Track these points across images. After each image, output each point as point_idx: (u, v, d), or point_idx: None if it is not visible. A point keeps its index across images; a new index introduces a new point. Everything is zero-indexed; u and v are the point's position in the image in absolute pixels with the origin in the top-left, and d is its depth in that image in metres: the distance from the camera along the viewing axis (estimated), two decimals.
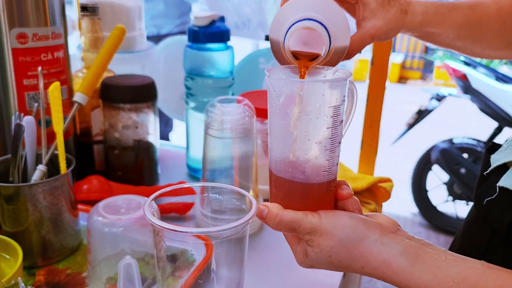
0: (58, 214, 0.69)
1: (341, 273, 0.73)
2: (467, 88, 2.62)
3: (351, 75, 0.46)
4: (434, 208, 2.82)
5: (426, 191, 2.81)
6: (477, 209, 0.56)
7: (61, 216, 0.70)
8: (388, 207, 2.94)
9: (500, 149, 0.55)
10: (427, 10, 0.57)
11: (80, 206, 0.77)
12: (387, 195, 0.96)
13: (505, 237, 0.49)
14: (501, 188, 0.49)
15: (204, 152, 0.81)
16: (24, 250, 0.62)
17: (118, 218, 0.65)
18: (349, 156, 1.34)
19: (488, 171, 0.54)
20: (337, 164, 0.47)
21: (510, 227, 0.48)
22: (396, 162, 3.60)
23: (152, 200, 0.52)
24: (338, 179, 0.49)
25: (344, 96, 0.45)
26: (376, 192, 0.97)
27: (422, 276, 0.40)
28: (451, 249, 0.63)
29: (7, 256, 0.63)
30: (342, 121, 0.46)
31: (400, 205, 3.05)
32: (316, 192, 0.46)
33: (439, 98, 2.71)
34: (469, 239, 0.57)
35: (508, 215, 0.48)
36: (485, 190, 0.53)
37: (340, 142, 0.46)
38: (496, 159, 0.53)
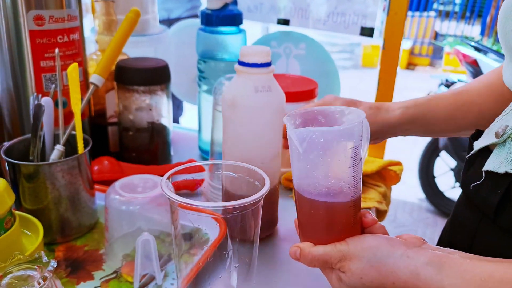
0: (76, 192, 0.71)
1: None
2: (477, 74, 2.61)
3: (364, 115, 0.48)
4: (442, 194, 2.82)
5: (434, 177, 2.81)
6: (464, 193, 0.57)
7: (78, 194, 0.71)
8: (396, 193, 2.95)
9: (483, 134, 0.56)
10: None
11: (96, 186, 0.79)
12: (396, 178, 0.97)
13: (493, 219, 0.50)
14: (487, 171, 0.50)
15: (212, 129, 0.81)
16: (43, 227, 0.64)
17: (134, 196, 0.67)
18: None
19: (470, 155, 0.55)
20: (360, 197, 0.50)
21: (498, 208, 0.49)
22: (403, 149, 3.60)
23: (167, 178, 0.54)
24: None
25: (361, 136, 0.47)
26: (385, 175, 0.98)
27: (450, 281, 0.42)
28: (443, 234, 0.64)
29: (28, 233, 0.65)
30: (361, 159, 0.48)
31: (408, 191, 3.06)
32: (343, 225, 0.49)
33: (448, 84, 2.70)
34: (459, 224, 0.58)
35: (495, 196, 0.49)
36: (472, 175, 0.54)
37: (361, 178, 0.49)
38: (478, 144, 0.54)
